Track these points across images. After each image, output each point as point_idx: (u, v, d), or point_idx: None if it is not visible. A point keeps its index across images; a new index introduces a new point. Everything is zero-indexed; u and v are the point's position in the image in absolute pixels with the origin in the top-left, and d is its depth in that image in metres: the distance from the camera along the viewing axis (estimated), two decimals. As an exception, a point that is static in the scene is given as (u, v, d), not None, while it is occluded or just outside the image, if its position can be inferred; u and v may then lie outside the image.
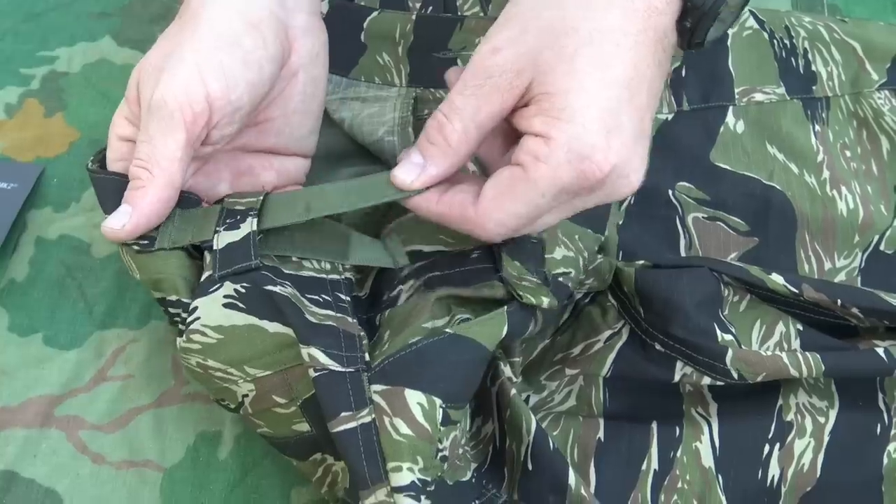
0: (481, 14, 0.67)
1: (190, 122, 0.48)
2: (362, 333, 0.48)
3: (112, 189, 0.50)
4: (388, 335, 0.50)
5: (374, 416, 0.45)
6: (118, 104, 0.67)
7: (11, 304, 0.60)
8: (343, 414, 0.45)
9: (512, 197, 0.46)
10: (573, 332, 0.58)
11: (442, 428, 0.46)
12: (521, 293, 0.51)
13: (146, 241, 0.50)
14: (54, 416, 0.56)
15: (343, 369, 0.46)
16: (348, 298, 0.50)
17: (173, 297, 0.49)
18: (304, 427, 0.49)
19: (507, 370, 0.53)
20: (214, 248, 0.49)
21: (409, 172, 0.48)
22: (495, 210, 0.46)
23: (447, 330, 0.48)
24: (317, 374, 0.46)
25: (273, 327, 0.47)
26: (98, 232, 0.61)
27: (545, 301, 0.51)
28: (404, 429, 0.45)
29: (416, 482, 0.45)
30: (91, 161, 0.52)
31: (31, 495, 0.53)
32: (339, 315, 0.48)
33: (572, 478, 0.49)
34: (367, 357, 0.47)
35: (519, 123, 0.47)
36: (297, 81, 0.54)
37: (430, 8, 0.68)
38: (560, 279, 0.53)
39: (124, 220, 0.49)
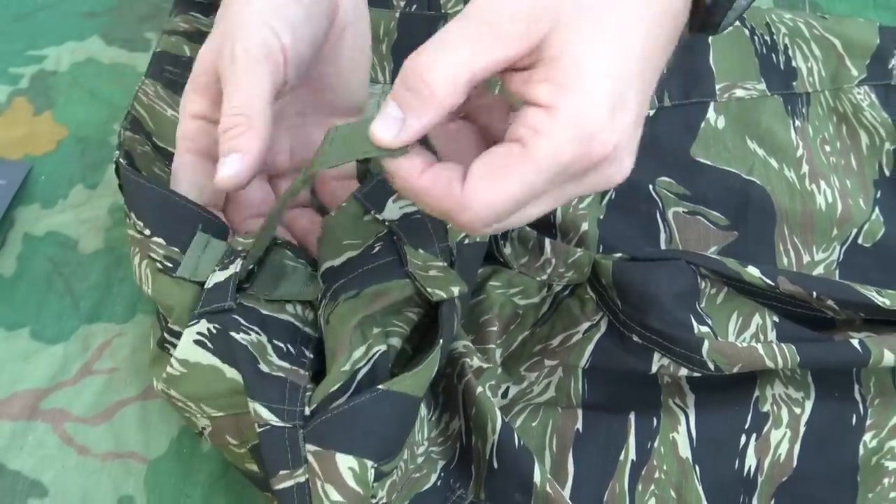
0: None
1: (274, 71, 0.48)
2: (309, 385, 0.47)
3: (140, 192, 0.51)
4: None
5: (307, 476, 0.45)
6: (106, 102, 0.69)
7: (-1, 300, 0.61)
8: (281, 472, 0.45)
9: (505, 176, 0.39)
10: (552, 324, 0.59)
11: (375, 484, 0.46)
12: (429, 289, 0.48)
13: (171, 265, 0.50)
14: (40, 409, 0.56)
15: (283, 424, 0.45)
16: (311, 356, 0.49)
17: (177, 329, 0.49)
18: (254, 468, 0.49)
19: (475, 362, 0.54)
20: (206, 286, 0.48)
21: (388, 128, 0.41)
22: (485, 190, 0.40)
23: (380, 387, 0.46)
24: (260, 429, 0.46)
25: (230, 372, 0.47)
26: (85, 228, 0.63)
27: (455, 291, 0.48)
28: (335, 495, 0.44)
29: None
30: (117, 156, 0.53)
31: (17, 486, 0.54)
32: (293, 368, 0.47)
33: (538, 475, 0.50)
34: (306, 411, 0.46)
35: (518, 89, 0.41)
36: (346, 37, 0.54)
37: (415, 6, 0.69)
38: (467, 240, 0.52)
39: (238, 167, 0.48)
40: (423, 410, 0.53)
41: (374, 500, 0.46)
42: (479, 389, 0.52)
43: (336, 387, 0.46)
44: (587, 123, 0.39)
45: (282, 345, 0.48)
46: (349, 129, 0.44)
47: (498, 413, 0.51)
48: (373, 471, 0.45)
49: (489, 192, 0.40)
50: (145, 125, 0.59)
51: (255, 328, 0.48)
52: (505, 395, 0.57)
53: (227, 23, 0.50)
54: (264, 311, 0.48)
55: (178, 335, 0.48)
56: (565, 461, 0.55)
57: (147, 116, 0.59)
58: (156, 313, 0.53)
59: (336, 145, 0.43)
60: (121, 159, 0.53)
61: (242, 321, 0.47)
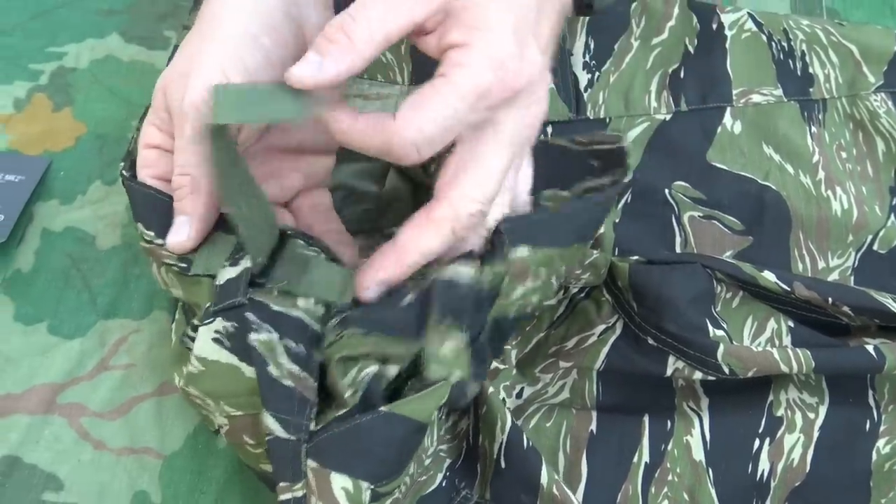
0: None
1: None
2: (315, 400, 0.46)
3: (149, 202, 0.51)
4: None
5: (304, 491, 0.45)
6: (125, 100, 0.69)
7: (17, 294, 0.61)
8: (282, 484, 0.46)
9: (431, 102, 0.44)
10: (568, 326, 0.59)
11: None
12: (431, 366, 0.47)
13: (185, 265, 0.50)
14: (57, 404, 0.57)
15: (287, 437, 0.45)
16: (320, 360, 0.48)
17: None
18: (269, 469, 0.49)
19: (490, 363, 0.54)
20: (217, 283, 0.48)
21: (305, 68, 0.44)
22: (414, 117, 0.44)
23: (381, 409, 0.45)
24: (268, 438, 0.46)
25: (250, 371, 0.47)
26: (103, 224, 0.63)
27: (456, 376, 0.47)
28: None
29: None
30: (122, 167, 0.52)
31: (33, 480, 0.54)
32: (302, 374, 0.46)
33: (545, 476, 0.50)
34: (311, 426, 0.46)
35: (436, 44, 0.46)
36: None
37: (433, 7, 0.69)
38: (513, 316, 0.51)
39: (186, 231, 0.49)
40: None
41: None
42: (491, 389, 0.52)
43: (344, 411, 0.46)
44: (500, 53, 0.44)
45: (293, 344, 0.47)
46: (262, 88, 0.46)
47: (508, 413, 0.52)
48: (368, 493, 0.45)
49: (418, 117, 0.44)
50: None
51: (267, 325, 0.47)
52: (520, 395, 0.57)
53: (184, 55, 0.50)
54: (275, 308, 0.48)
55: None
56: (579, 462, 0.55)
57: None
58: (180, 309, 0.53)
59: (251, 101, 0.46)
60: (124, 171, 0.52)
61: (254, 318, 0.47)
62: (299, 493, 0.45)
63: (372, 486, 0.45)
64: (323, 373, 0.47)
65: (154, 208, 0.50)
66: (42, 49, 0.72)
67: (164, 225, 0.50)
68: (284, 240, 0.50)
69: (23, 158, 0.66)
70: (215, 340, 0.47)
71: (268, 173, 0.55)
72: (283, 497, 0.46)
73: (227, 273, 0.48)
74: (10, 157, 0.66)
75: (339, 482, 0.45)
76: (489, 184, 0.47)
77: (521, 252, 0.48)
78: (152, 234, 0.50)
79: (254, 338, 0.46)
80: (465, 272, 0.47)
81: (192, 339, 0.50)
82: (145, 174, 0.51)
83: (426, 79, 0.65)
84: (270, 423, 0.45)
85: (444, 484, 0.52)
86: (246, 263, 0.48)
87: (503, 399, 0.55)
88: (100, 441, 0.56)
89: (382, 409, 0.45)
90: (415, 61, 0.66)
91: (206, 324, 0.47)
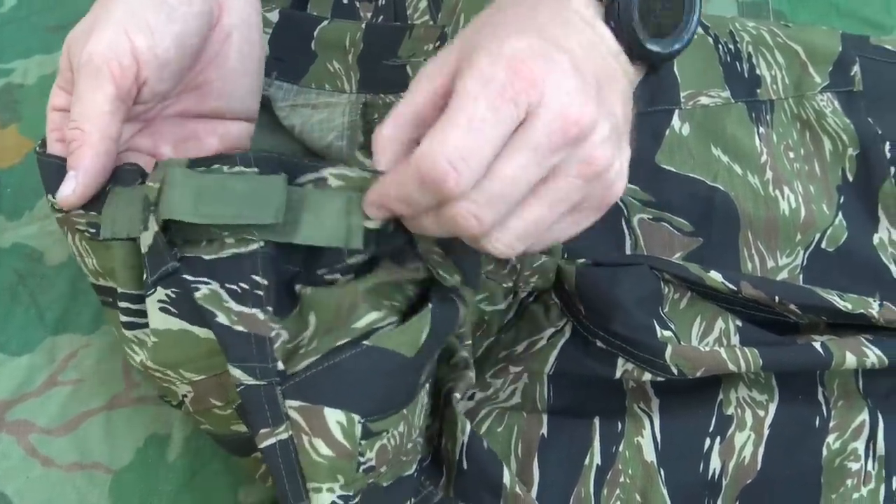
0: (431, 22, 0.68)
1: (118, 76, 0.48)
2: (273, 335, 0.46)
3: (54, 170, 0.50)
4: (315, 328, 0.48)
5: (290, 432, 0.45)
6: (73, 116, 0.69)
7: (-36, 312, 0.61)
8: (262, 430, 0.46)
9: (449, 119, 0.41)
10: (517, 330, 0.59)
11: (363, 442, 0.46)
12: (440, 271, 0.49)
13: (94, 230, 0.49)
14: (5, 421, 0.56)
15: (257, 383, 0.45)
16: (265, 282, 0.46)
17: (129, 291, 0.49)
18: (242, 428, 0.49)
19: (463, 354, 0.54)
20: (143, 251, 0.47)
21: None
22: (438, 141, 0.41)
23: (364, 342, 0.46)
24: (238, 388, 0.46)
25: (203, 333, 0.46)
26: (51, 240, 0.63)
27: (457, 279, 0.49)
28: (324, 449, 0.45)
29: (337, 500, 0.45)
30: (38, 145, 0.52)
31: (-20, 498, 0.54)
32: (251, 311, 0.46)
33: (507, 476, 0.50)
34: (280, 365, 0.46)
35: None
36: (231, 42, 0.54)
37: (381, 17, 0.69)
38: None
39: (72, 185, 0.48)
40: (424, 398, 0.52)
41: (361, 459, 0.46)
42: (456, 395, 0.53)
43: (345, 341, 0.46)
44: (505, 52, 0.42)
45: (233, 286, 0.46)
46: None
47: (465, 419, 0.52)
48: (360, 426, 0.45)
49: (441, 138, 0.41)
50: None
51: (204, 278, 0.46)
52: (471, 398, 0.57)
53: (91, 14, 0.51)
54: (207, 258, 0.46)
55: (131, 298, 0.49)
56: (531, 466, 0.55)
57: None
58: (109, 296, 0.52)
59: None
60: (37, 148, 0.52)
61: (192, 277, 0.46)
62: (284, 436, 0.45)
63: (362, 421, 0.45)
64: None
65: (59, 175, 0.50)
66: (-11, 66, 0.71)
67: None
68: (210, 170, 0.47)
69: (-31, 176, 0.65)
70: (162, 310, 0.47)
71: (185, 136, 0.55)
72: (265, 444, 0.46)
73: (145, 238, 0.47)
74: (-44, 174, 0.65)
75: (333, 417, 0.45)
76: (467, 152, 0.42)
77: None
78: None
79: (198, 296, 0.46)
80: None
81: (128, 313, 0.49)
82: (52, 138, 0.51)
83: (374, 88, 0.66)
84: (237, 373, 0.45)
85: (415, 475, 0.52)
86: (154, 225, 0.46)
87: (458, 400, 0.55)
88: (48, 458, 0.55)
89: (365, 342, 0.46)
90: (363, 69, 0.66)
91: (148, 295, 0.47)
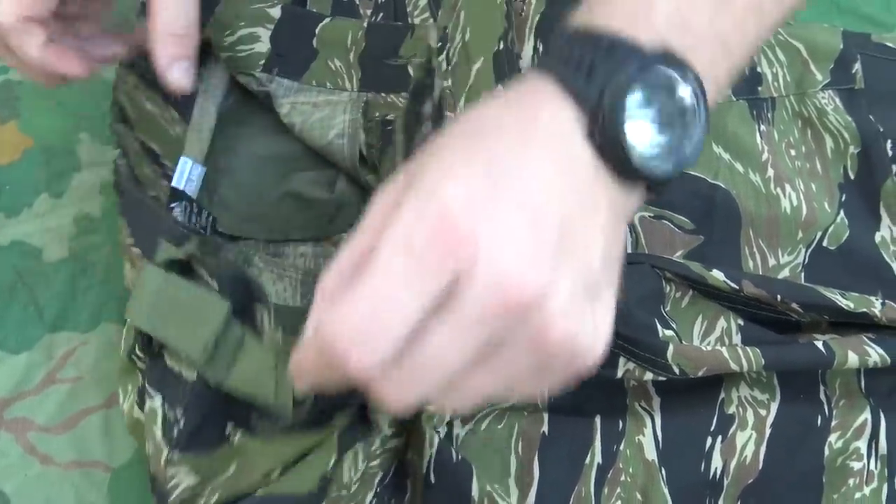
0: (431, 20, 0.68)
1: None
2: (169, 487, 0.48)
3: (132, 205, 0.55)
4: (232, 475, 0.48)
5: None
6: (71, 113, 0.69)
7: (-38, 309, 0.60)
8: None
9: (356, 287, 0.34)
10: (518, 329, 0.59)
11: None
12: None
13: None
14: (3, 419, 0.56)
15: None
16: (182, 420, 0.48)
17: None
18: None
19: None
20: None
21: None
22: (341, 314, 0.34)
23: (257, 493, 0.46)
24: None
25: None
26: (50, 237, 0.63)
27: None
28: None
29: None
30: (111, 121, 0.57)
31: (-21, 497, 0.54)
32: (162, 448, 0.48)
33: (476, 490, 0.50)
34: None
35: None
36: None
37: (381, 15, 0.69)
38: None
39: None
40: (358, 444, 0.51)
41: None
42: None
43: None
44: (438, 199, 0.34)
45: (171, 411, 0.49)
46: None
47: (435, 431, 0.52)
48: None
49: (342, 309, 0.34)
50: (127, 114, 0.60)
51: (153, 389, 0.49)
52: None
53: None
54: (168, 364, 0.49)
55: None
56: (531, 464, 0.54)
57: (129, 106, 0.60)
58: (127, 325, 0.53)
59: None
60: (118, 159, 0.55)
61: (148, 384, 0.49)
62: None
63: None
64: None
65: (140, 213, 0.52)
66: (-13, 62, 0.71)
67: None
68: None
69: (-33, 172, 0.65)
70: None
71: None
72: None
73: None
74: (-46, 171, 0.65)
75: None
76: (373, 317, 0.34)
77: None
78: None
79: (146, 406, 0.49)
80: None
81: (140, 359, 0.50)
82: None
83: (375, 87, 0.65)
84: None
85: (374, 502, 0.51)
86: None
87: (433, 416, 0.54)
88: (47, 455, 0.55)
89: (258, 492, 0.46)
90: (364, 68, 0.66)
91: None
